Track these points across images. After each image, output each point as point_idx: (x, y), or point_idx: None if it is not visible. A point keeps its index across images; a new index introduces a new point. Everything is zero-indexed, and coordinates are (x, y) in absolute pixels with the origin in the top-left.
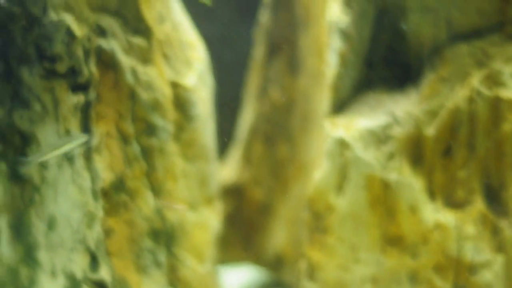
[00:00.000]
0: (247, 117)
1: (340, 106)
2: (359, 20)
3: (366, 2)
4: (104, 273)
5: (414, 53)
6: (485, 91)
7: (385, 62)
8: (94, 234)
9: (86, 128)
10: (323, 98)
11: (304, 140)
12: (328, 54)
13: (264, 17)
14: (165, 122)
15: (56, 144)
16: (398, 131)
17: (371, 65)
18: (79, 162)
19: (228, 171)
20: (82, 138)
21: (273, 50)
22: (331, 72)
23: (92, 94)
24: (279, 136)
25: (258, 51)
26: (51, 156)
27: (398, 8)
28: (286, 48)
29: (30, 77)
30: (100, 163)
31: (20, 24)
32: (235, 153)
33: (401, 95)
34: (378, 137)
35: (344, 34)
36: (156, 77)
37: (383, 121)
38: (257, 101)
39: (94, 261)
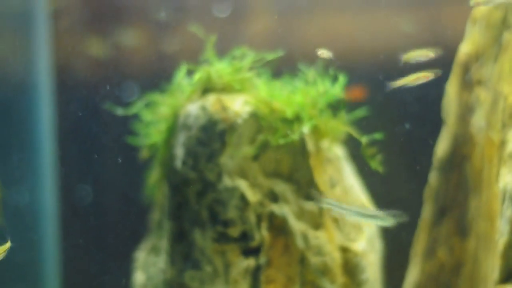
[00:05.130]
0: (413, 276)
1: (511, 275)
2: None
3: None
4: None
5: None
6: None
7: None
8: None
9: None
10: (493, 265)
11: None
12: (499, 221)
13: (433, 178)
14: (334, 287)
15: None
16: None
17: None
18: None
19: None
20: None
21: (442, 211)
22: (502, 241)
23: (263, 259)
24: None
25: (427, 211)
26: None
27: None
28: (455, 210)
29: (203, 239)
30: None
31: (195, 188)
32: None
33: None
34: None
35: None
36: (326, 242)
37: None
38: (424, 261)
39: None
